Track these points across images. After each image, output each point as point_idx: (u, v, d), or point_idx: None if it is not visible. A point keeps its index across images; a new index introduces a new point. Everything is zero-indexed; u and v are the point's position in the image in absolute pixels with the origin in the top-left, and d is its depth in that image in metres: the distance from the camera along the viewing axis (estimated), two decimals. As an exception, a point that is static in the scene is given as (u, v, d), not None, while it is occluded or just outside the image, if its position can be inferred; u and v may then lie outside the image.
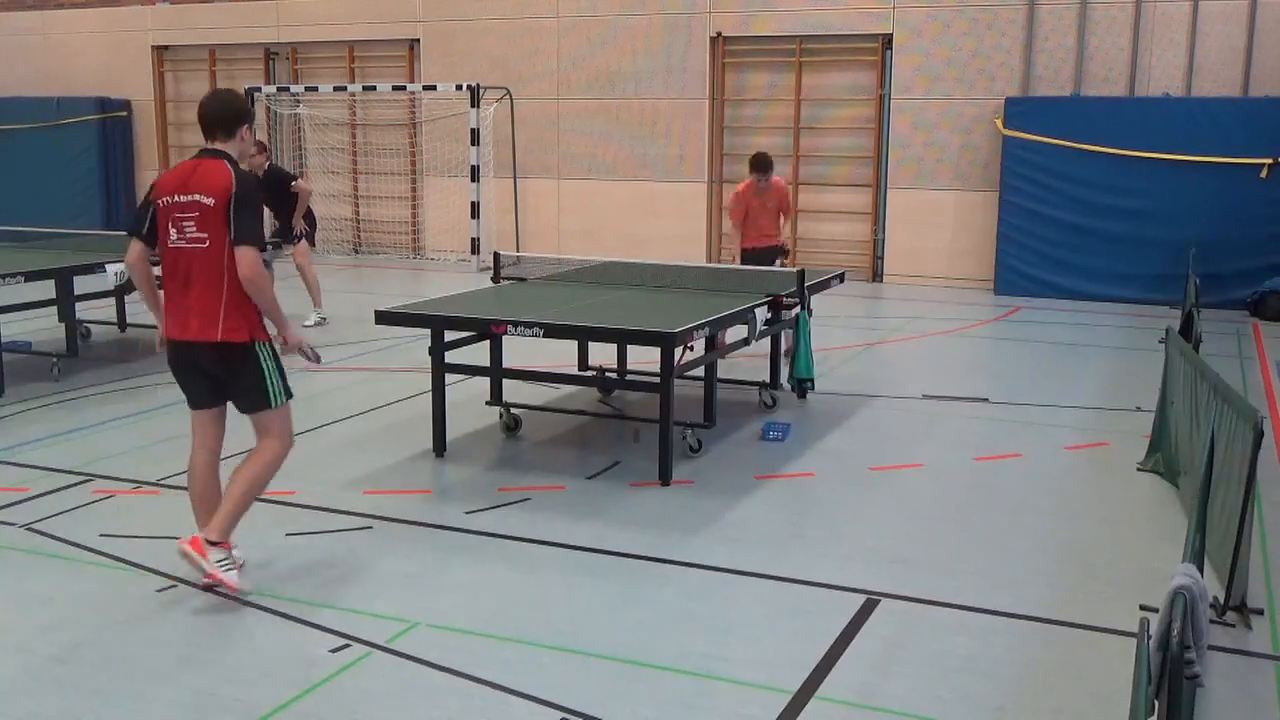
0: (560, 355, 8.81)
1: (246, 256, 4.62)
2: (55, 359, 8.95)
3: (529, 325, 6.37)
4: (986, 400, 8.44)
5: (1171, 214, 13.07)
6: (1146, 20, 13.50)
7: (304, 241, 11.26)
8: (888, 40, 14.65)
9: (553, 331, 6.44)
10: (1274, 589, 4.97)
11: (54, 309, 9.31)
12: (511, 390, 7.81)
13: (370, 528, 5.65)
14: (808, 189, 15.32)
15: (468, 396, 8.01)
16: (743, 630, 4.53)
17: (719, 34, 15.38)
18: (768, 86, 15.44)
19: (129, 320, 10.60)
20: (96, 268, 9.01)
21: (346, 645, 4.34)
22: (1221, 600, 4.64)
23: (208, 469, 4.93)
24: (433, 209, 17.23)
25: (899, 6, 14.42)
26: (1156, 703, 3.01)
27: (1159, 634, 3.03)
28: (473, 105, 15.84)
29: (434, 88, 16.45)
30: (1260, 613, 4.66)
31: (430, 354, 6.87)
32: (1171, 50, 13.44)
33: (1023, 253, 13.83)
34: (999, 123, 13.88)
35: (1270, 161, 12.67)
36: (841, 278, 9.00)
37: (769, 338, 8.11)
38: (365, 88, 17.04)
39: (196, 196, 4.65)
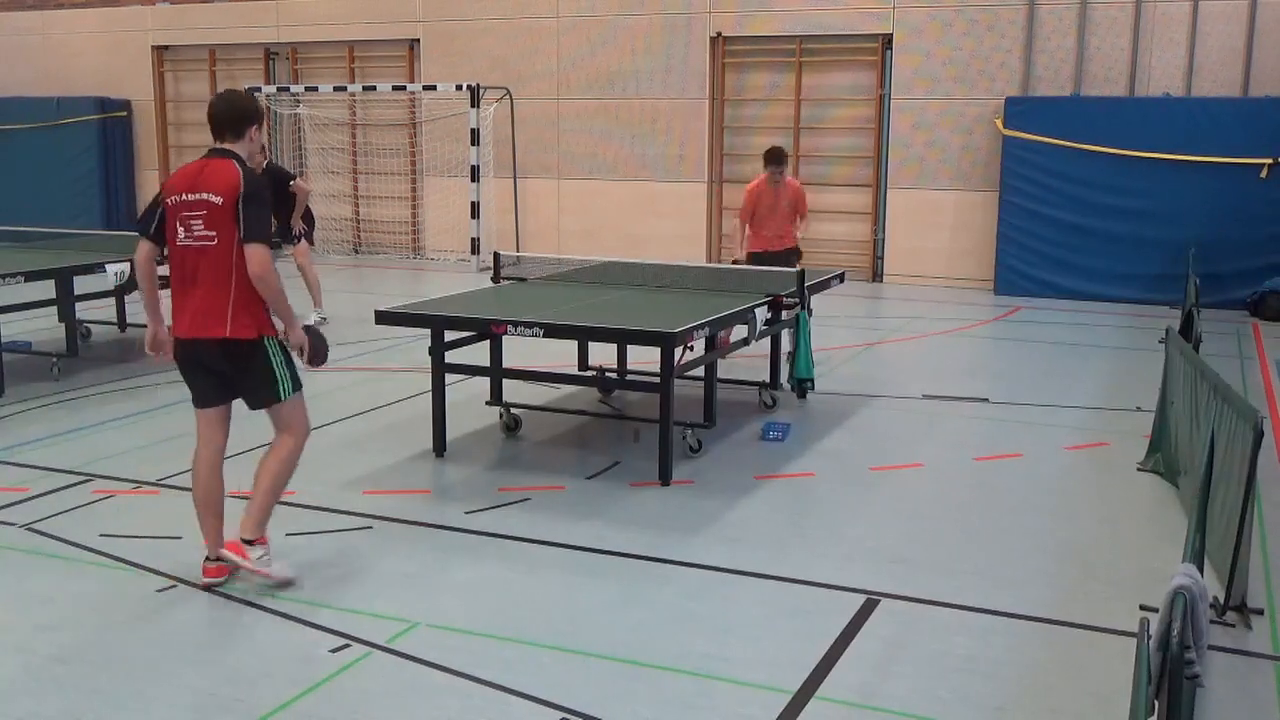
0: (560, 355, 8.81)
1: (256, 254, 4.65)
2: (55, 359, 8.95)
3: (529, 325, 6.37)
4: (986, 400, 8.44)
5: (1171, 214, 13.07)
6: (1146, 20, 13.50)
7: (304, 241, 11.26)
8: (888, 40, 14.65)
9: (553, 331, 6.44)
10: (1274, 589, 4.97)
11: (54, 309, 9.31)
12: (511, 390, 7.81)
13: (370, 528, 5.65)
14: (808, 189, 15.09)
15: (468, 396, 8.01)
16: (743, 630, 4.53)
17: (719, 34, 15.38)
18: (768, 86, 15.44)
19: (129, 320, 10.60)
20: (96, 268, 9.01)
21: (346, 645, 4.34)
22: (1221, 600, 4.64)
23: (212, 469, 4.93)
24: (433, 209, 17.24)
25: (899, 6, 14.42)
26: (1156, 703, 3.01)
27: (1159, 634, 3.03)
28: (473, 105, 15.84)
29: (434, 88, 16.46)
30: (1260, 613, 4.66)
31: (430, 354, 6.87)
32: (1171, 50, 13.44)
33: (1023, 253, 13.83)
34: (999, 123, 13.88)
35: (1270, 161, 12.68)
36: (841, 278, 9.00)
37: (769, 338, 8.11)
38: (365, 88, 17.04)
39: (205, 195, 4.69)
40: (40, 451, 6.93)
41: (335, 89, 17.18)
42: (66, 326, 9.31)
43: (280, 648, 4.35)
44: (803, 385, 8.27)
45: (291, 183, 11.09)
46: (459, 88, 16.04)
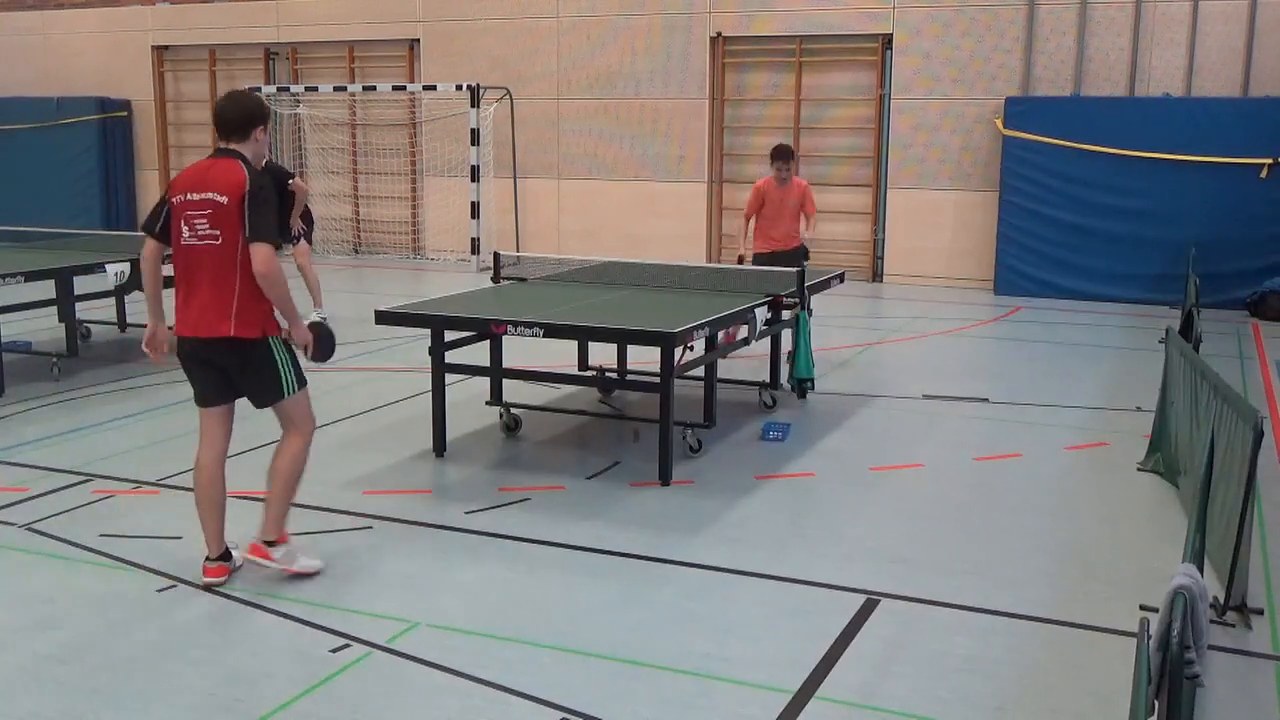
0: (560, 355, 8.81)
1: (260, 252, 4.66)
2: (55, 359, 8.95)
3: (529, 325, 6.37)
4: (986, 400, 8.44)
5: (1171, 214, 13.07)
6: (1146, 20, 13.50)
7: (304, 241, 11.25)
8: (888, 40, 14.65)
9: (553, 331, 6.44)
10: (1274, 589, 4.97)
11: (54, 309, 9.31)
12: (511, 390, 7.81)
13: (370, 528, 5.65)
14: (808, 189, 15.28)
15: (468, 396, 8.01)
16: (743, 630, 4.53)
17: (719, 34, 15.38)
18: (768, 86, 15.44)
19: (129, 320, 10.60)
20: (96, 268, 9.01)
21: (346, 645, 4.34)
22: (1221, 600, 4.64)
23: (214, 468, 4.94)
24: (433, 209, 17.24)
25: (899, 6, 14.42)
26: (1156, 703, 3.01)
27: (1159, 634, 3.03)
28: (473, 105, 15.84)
29: (434, 88, 16.46)
30: (1260, 613, 4.66)
31: (430, 354, 6.87)
32: (1171, 50, 13.44)
33: (1023, 253, 13.83)
34: (999, 123, 13.89)
35: (1270, 161, 12.68)
36: (841, 278, 9.01)
37: (769, 338, 8.11)
38: (365, 88, 17.04)
39: (210, 195, 4.72)
40: (40, 451, 6.93)
41: (335, 89, 17.18)
42: (66, 326, 9.31)
43: (280, 648, 4.35)
44: (803, 385, 8.27)
45: (289, 181, 11.08)
46: (459, 88, 16.04)
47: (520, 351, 8.22)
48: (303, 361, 5.01)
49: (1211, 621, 4.34)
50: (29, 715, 3.83)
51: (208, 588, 4.85)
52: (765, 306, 7.28)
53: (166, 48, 18.91)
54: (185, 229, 4.77)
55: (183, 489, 6.16)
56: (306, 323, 4.99)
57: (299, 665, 4.20)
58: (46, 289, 9.03)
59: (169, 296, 4.91)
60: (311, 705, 3.90)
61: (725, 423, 7.46)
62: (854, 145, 15.12)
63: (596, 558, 5.29)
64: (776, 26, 15.08)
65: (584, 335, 7.32)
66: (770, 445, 7.18)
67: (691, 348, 6.84)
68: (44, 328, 10.23)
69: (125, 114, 19.05)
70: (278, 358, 4.85)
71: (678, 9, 15.44)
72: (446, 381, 6.90)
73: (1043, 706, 3.95)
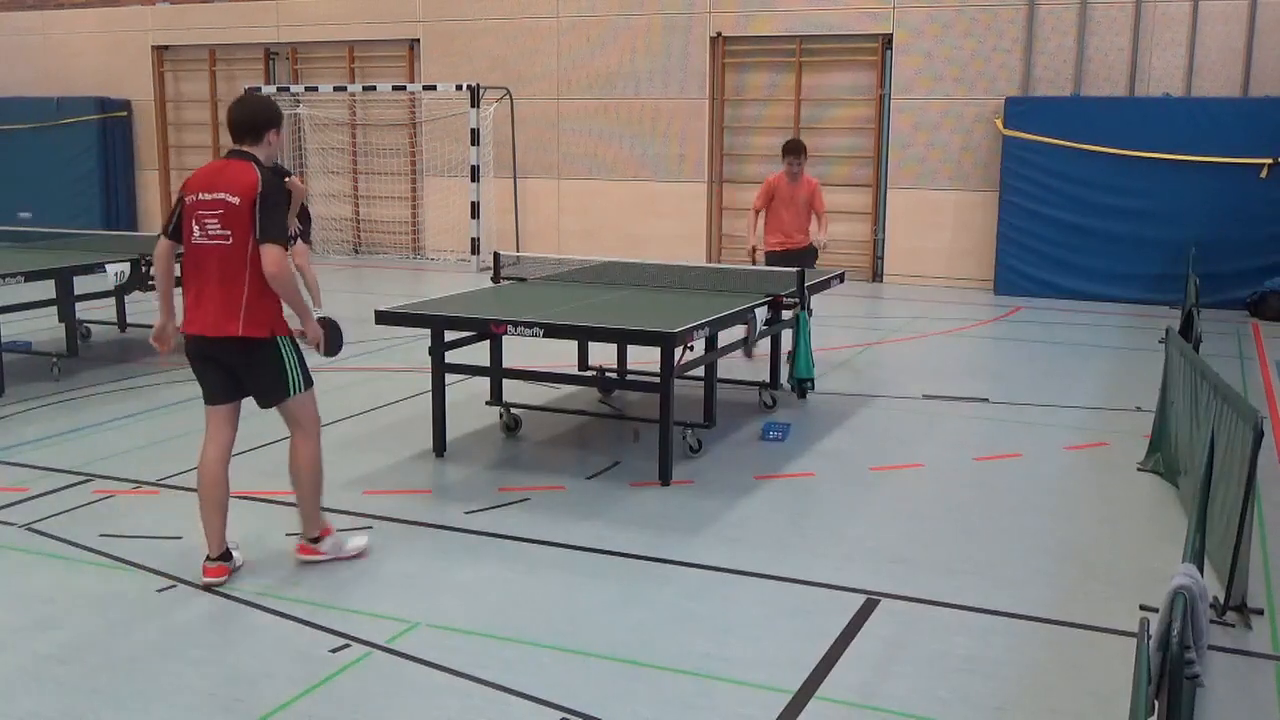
0: (560, 355, 8.81)
1: (271, 253, 4.72)
2: (55, 359, 8.95)
3: (529, 325, 6.37)
4: (986, 400, 8.45)
5: (1171, 214, 13.07)
6: (1146, 20, 13.50)
7: (301, 242, 11.24)
8: (888, 40, 14.65)
9: (553, 331, 6.44)
10: (1274, 589, 4.97)
11: (54, 309, 9.31)
12: (511, 390, 7.81)
13: (370, 528, 5.65)
14: (808, 189, 15.29)
15: (468, 396, 8.01)
16: (743, 630, 4.53)
17: (719, 34, 15.38)
18: (768, 86, 15.44)
19: (129, 320, 10.61)
20: (96, 268, 9.02)
21: (346, 645, 4.34)
22: (1221, 600, 4.64)
23: (219, 466, 4.97)
24: (433, 209, 17.24)
25: (899, 6, 14.42)
26: (1156, 703, 3.01)
27: (1159, 634, 3.03)
28: (473, 105, 15.84)
29: (434, 88, 16.46)
30: (1260, 613, 4.66)
31: (430, 354, 6.87)
32: (1171, 50, 13.44)
33: (1023, 253, 13.83)
34: (999, 123, 13.89)
35: (1270, 161, 12.68)
36: (841, 278, 9.00)
37: (769, 338, 8.11)
38: (365, 88, 17.04)
39: (223, 195, 4.77)
40: (40, 451, 6.93)
41: (335, 89, 17.18)
42: (66, 326, 9.31)
43: (280, 648, 4.35)
44: (803, 385, 8.27)
45: (285, 180, 11.07)
46: (459, 88, 16.04)
47: (520, 351, 8.22)
48: (312, 358, 5.04)
49: (1211, 621, 4.34)
50: (29, 715, 3.83)
51: (207, 588, 4.85)
52: (765, 306, 7.28)
53: (166, 48, 18.91)
54: (196, 228, 4.82)
55: (183, 489, 6.17)
56: (316, 318, 5.04)
57: (299, 665, 4.20)
58: (46, 289, 9.03)
59: (176, 295, 4.95)
60: (311, 705, 3.90)
61: (725, 423, 7.46)
62: (854, 145, 15.12)
63: (596, 558, 5.29)
64: (776, 26, 15.08)
65: (584, 335, 7.32)
66: (770, 445, 7.18)
67: (691, 348, 6.84)
68: (44, 328, 10.23)
69: (125, 114, 19.05)
70: (285, 358, 4.90)
71: (678, 9, 15.44)
72: (446, 381, 6.91)
73: (1043, 706, 3.95)
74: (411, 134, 17.35)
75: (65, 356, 9.13)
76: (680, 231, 15.77)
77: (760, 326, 7.17)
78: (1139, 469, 6.70)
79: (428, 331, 6.89)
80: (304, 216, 11.46)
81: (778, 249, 9.31)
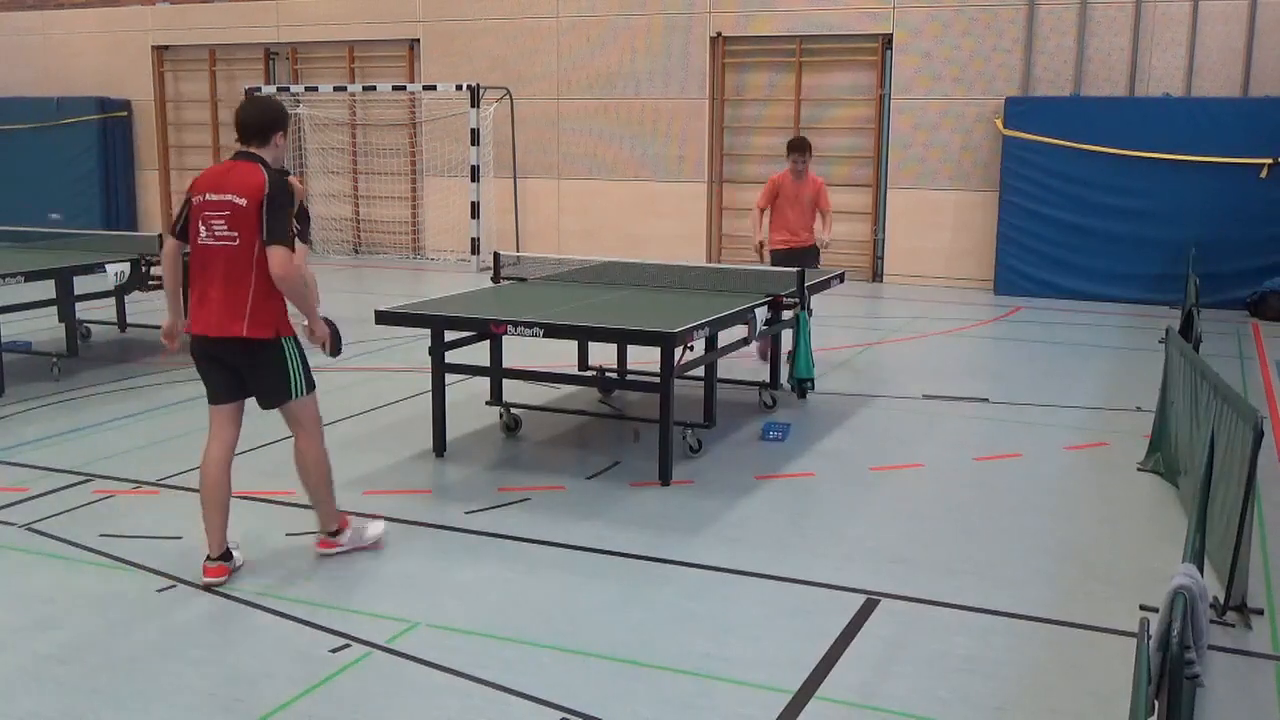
0: (560, 355, 8.81)
1: (277, 255, 4.75)
2: (55, 359, 8.95)
3: (529, 325, 6.37)
4: (986, 400, 8.45)
5: (1171, 214, 13.07)
6: (1146, 20, 13.50)
7: (300, 242, 11.24)
8: (888, 40, 14.65)
9: (553, 331, 6.44)
10: (1274, 589, 4.97)
11: (54, 309, 9.31)
12: (511, 390, 7.81)
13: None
14: (808, 189, 15.29)
15: (468, 396, 8.01)
16: (743, 630, 4.53)
17: (719, 34, 15.38)
18: (768, 86, 15.44)
19: (129, 320, 10.61)
20: (96, 268, 9.02)
21: (346, 645, 4.34)
22: (1221, 600, 4.64)
23: (221, 465, 4.98)
24: (433, 209, 17.24)
25: (899, 6, 14.42)
26: (1156, 703, 3.01)
27: (1159, 634, 3.03)
28: (473, 105, 15.84)
29: (434, 88, 16.46)
30: (1260, 613, 4.66)
31: (430, 354, 6.87)
32: (1171, 50, 13.44)
33: (1023, 253, 13.83)
34: (999, 123, 13.89)
35: (1270, 161, 12.67)
36: (841, 278, 9.00)
37: (768, 338, 8.11)
38: (365, 88, 17.04)
39: (229, 197, 4.79)
40: (40, 451, 6.93)
41: (335, 89, 17.18)
42: (66, 326, 9.31)
43: (280, 648, 4.35)
44: (803, 385, 8.27)
45: (285, 179, 11.07)
46: (459, 88, 16.04)
47: (520, 351, 8.22)
48: (314, 358, 5.06)
49: (1211, 621, 4.34)
50: (29, 715, 3.83)
51: (208, 588, 4.85)
52: (765, 306, 7.28)
53: (166, 48, 18.91)
54: (203, 228, 4.85)
55: (183, 489, 6.17)
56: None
57: (299, 665, 4.20)
58: (46, 289, 9.03)
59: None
60: (311, 705, 3.90)
61: (725, 423, 7.46)
62: (854, 145, 15.12)
63: (596, 558, 5.29)
64: (776, 26, 15.08)
65: (584, 335, 7.32)
66: (770, 445, 7.18)
67: (691, 348, 6.84)
68: (44, 328, 10.23)
69: (125, 114, 19.05)
70: (289, 359, 4.94)
71: (678, 9, 15.44)
72: (446, 381, 6.91)
73: (1043, 706, 3.95)
74: (411, 134, 17.35)
75: (65, 356, 9.13)
76: (680, 231, 15.77)
77: (760, 326, 7.17)
78: (1139, 469, 6.70)
79: (428, 331, 6.90)
80: (303, 216, 11.45)
81: (782, 247, 9.30)
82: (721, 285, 8.08)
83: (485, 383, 7.59)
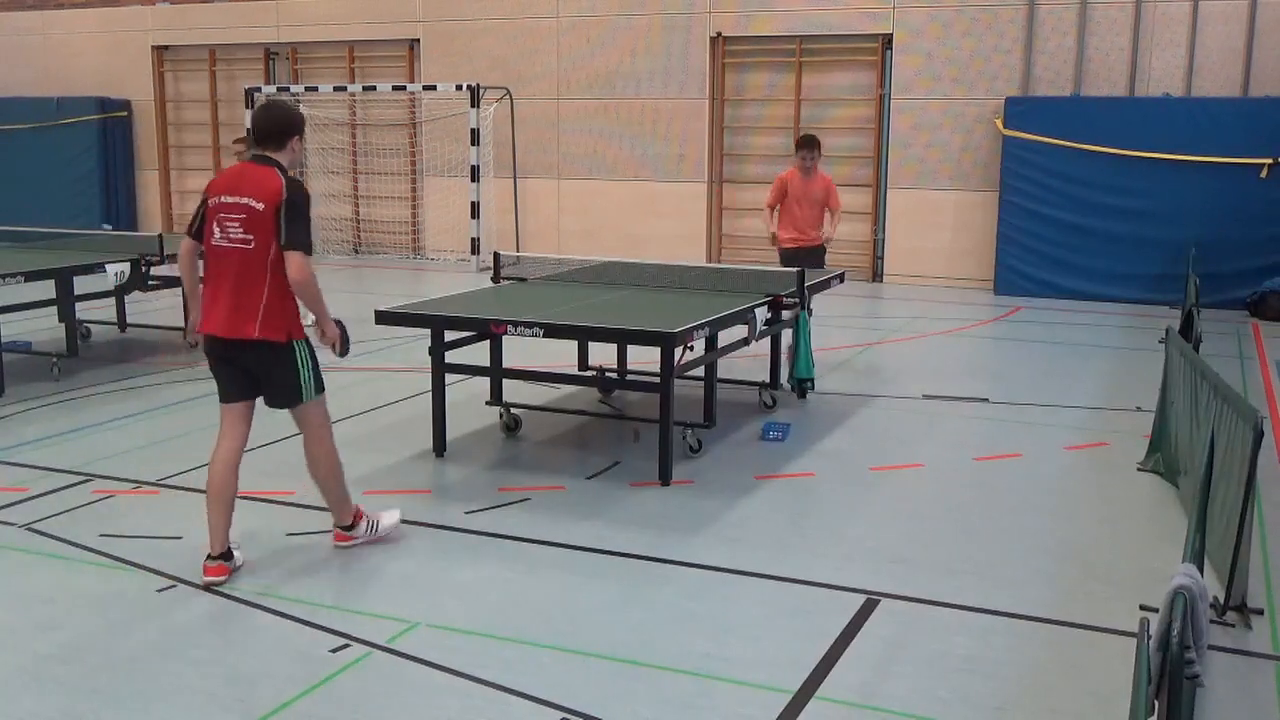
0: (560, 355, 8.81)
1: (295, 260, 4.81)
2: (55, 359, 8.95)
3: (529, 325, 6.37)
4: (986, 400, 8.44)
5: (1171, 214, 13.07)
6: (1146, 20, 13.50)
7: None
8: (888, 40, 14.65)
9: (553, 331, 6.44)
10: (1274, 589, 4.97)
11: (54, 309, 9.31)
12: (511, 390, 7.81)
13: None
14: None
15: (468, 396, 8.01)
16: (743, 630, 4.53)
17: (719, 34, 15.38)
18: (768, 86, 15.44)
19: (129, 320, 10.61)
20: (96, 268, 9.02)
21: (346, 645, 4.34)
22: (1221, 600, 4.64)
23: (229, 464, 5.01)
24: (433, 209, 17.24)
25: (899, 6, 14.42)
26: (1156, 703, 3.01)
27: (1159, 634, 3.03)
28: (473, 105, 15.84)
29: (434, 88, 16.46)
30: (1260, 613, 4.66)
31: (430, 354, 6.87)
32: (1171, 50, 13.44)
33: (1023, 253, 13.82)
34: (999, 123, 13.89)
35: (1270, 161, 12.67)
36: (841, 278, 9.00)
37: (768, 338, 8.11)
38: (365, 88, 17.04)
39: (246, 200, 4.84)
40: (40, 451, 6.93)
41: (335, 89, 17.18)
42: (66, 326, 9.31)
43: (280, 648, 4.35)
44: (803, 385, 8.27)
45: None
46: (459, 88, 16.04)
47: (520, 351, 8.22)
48: (331, 356, 5.14)
49: (1211, 621, 4.34)
50: (29, 715, 3.83)
51: (207, 587, 4.85)
52: (765, 306, 7.27)
53: (166, 48, 18.91)
54: (217, 230, 4.90)
55: (183, 489, 6.17)
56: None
57: (299, 665, 4.20)
58: (46, 289, 9.03)
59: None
60: (311, 705, 3.90)
61: (725, 423, 7.46)
62: (854, 145, 15.12)
63: (596, 558, 5.29)
64: (776, 26, 15.08)
65: (584, 335, 7.32)
66: (770, 445, 7.18)
67: (691, 348, 6.84)
68: (44, 328, 10.23)
69: (125, 114, 19.05)
70: (300, 362, 4.98)
71: (678, 9, 15.44)
72: (446, 381, 6.91)
73: (1043, 706, 3.95)
74: (411, 134, 17.35)
75: (65, 356, 9.13)
76: (680, 231, 15.77)
77: (760, 327, 7.17)
78: (1139, 469, 6.70)
79: (428, 331, 6.90)
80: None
81: (790, 246, 9.29)
82: (721, 285, 8.08)
83: (485, 383, 7.59)
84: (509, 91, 16.32)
